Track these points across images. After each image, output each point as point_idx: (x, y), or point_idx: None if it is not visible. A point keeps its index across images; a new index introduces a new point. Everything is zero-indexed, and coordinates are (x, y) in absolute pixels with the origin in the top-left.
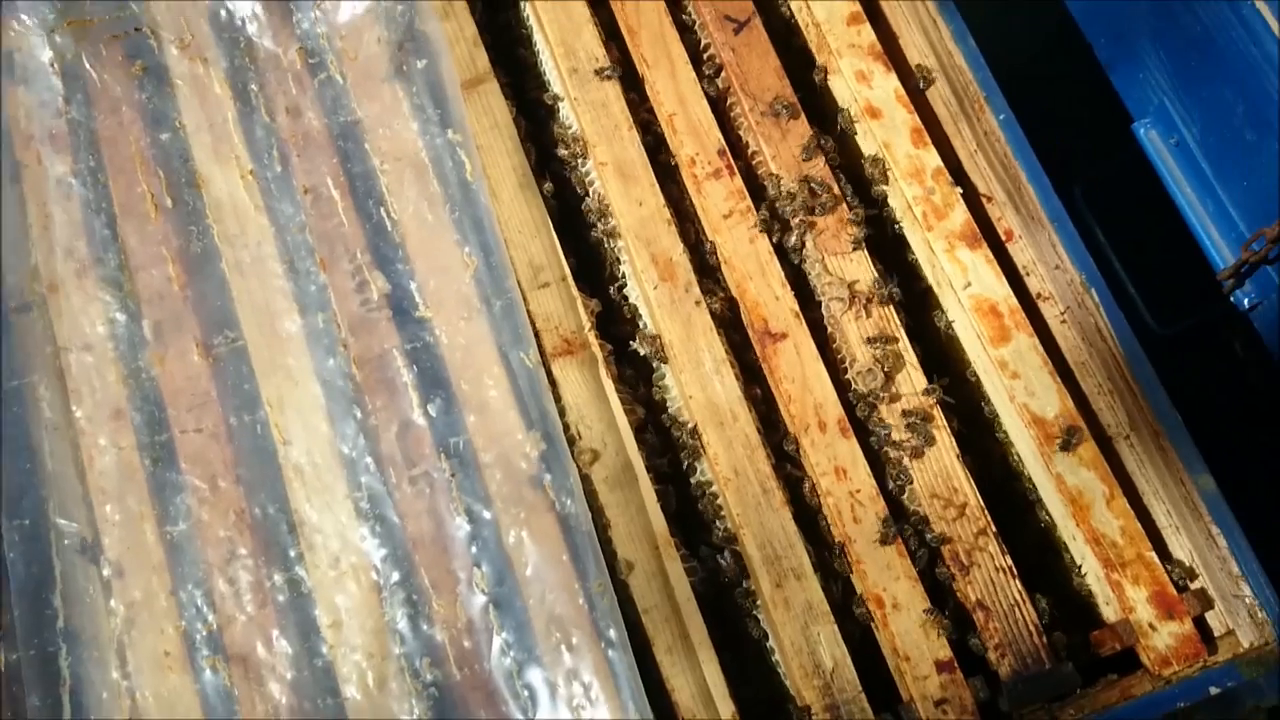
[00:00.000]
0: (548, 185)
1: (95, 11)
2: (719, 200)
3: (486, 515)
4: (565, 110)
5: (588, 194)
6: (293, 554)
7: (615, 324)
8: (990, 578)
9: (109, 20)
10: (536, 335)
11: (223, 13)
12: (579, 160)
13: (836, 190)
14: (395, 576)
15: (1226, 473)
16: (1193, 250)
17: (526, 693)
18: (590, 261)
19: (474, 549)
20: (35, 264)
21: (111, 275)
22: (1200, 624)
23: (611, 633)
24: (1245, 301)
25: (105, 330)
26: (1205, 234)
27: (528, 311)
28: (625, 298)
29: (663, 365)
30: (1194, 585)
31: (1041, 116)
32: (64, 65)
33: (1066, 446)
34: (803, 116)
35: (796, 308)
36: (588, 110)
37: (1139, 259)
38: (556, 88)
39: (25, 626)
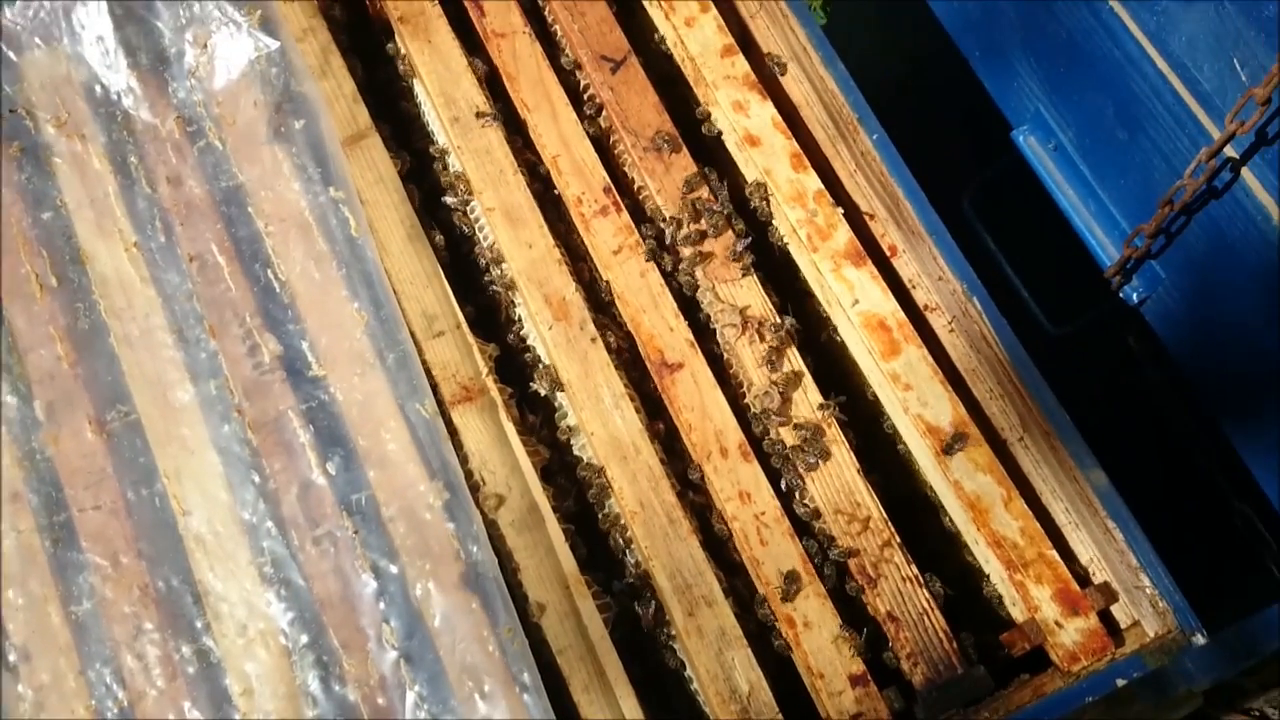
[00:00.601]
0: (439, 238)
1: None
2: (608, 237)
3: (393, 570)
4: (451, 159)
5: (478, 240)
6: (199, 625)
7: (515, 368)
8: (898, 588)
9: None
10: (434, 384)
11: (98, 88)
12: (467, 208)
13: (722, 219)
14: (304, 639)
15: (1131, 468)
16: (1080, 251)
17: None
18: (487, 308)
19: (382, 605)
20: None
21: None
22: (1106, 618)
23: (525, 677)
24: (1134, 297)
25: None
26: (1090, 234)
27: (424, 361)
28: (523, 340)
29: (564, 404)
30: (1096, 580)
31: (924, 130)
32: None
33: (949, 450)
34: (684, 150)
35: (691, 337)
36: (472, 158)
37: (1030, 263)
38: (440, 138)
39: None
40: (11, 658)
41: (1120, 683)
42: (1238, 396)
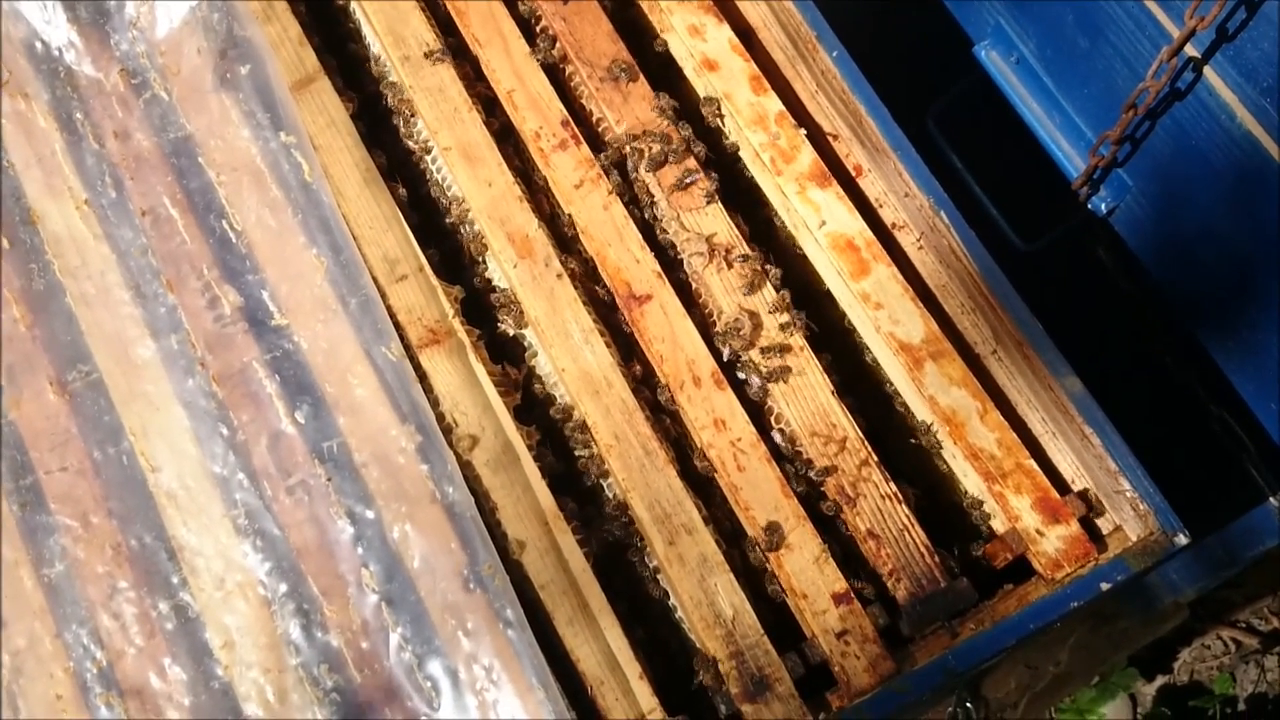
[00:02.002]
0: (401, 191)
1: None
2: (568, 171)
3: (369, 515)
4: (403, 100)
5: (436, 181)
6: (175, 580)
7: (481, 310)
8: (877, 506)
9: None
10: (400, 329)
11: (38, 44)
12: (422, 149)
13: (683, 147)
14: (283, 588)
15: (1107, 381)
16: (1047, 165)
17: (429, 684)
18: (451, 251)
19: (360, 550)
20: None
21: None
22: (1088, 525)
23: (508, 612)
24: (1103, 207)
25: None
26: (1056, 146)
27: (388, 306)
28: (488, 281)
29: (533, 342)
30: (1076, 487)
31: (884, 52)
32: None
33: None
34: (641, 78)
35: (658, 268)
36: (425, 97)
37: (998, 181)
38: (391, 78)
39: None
40: None
41: (1104, 586)
42: (1210, 301)
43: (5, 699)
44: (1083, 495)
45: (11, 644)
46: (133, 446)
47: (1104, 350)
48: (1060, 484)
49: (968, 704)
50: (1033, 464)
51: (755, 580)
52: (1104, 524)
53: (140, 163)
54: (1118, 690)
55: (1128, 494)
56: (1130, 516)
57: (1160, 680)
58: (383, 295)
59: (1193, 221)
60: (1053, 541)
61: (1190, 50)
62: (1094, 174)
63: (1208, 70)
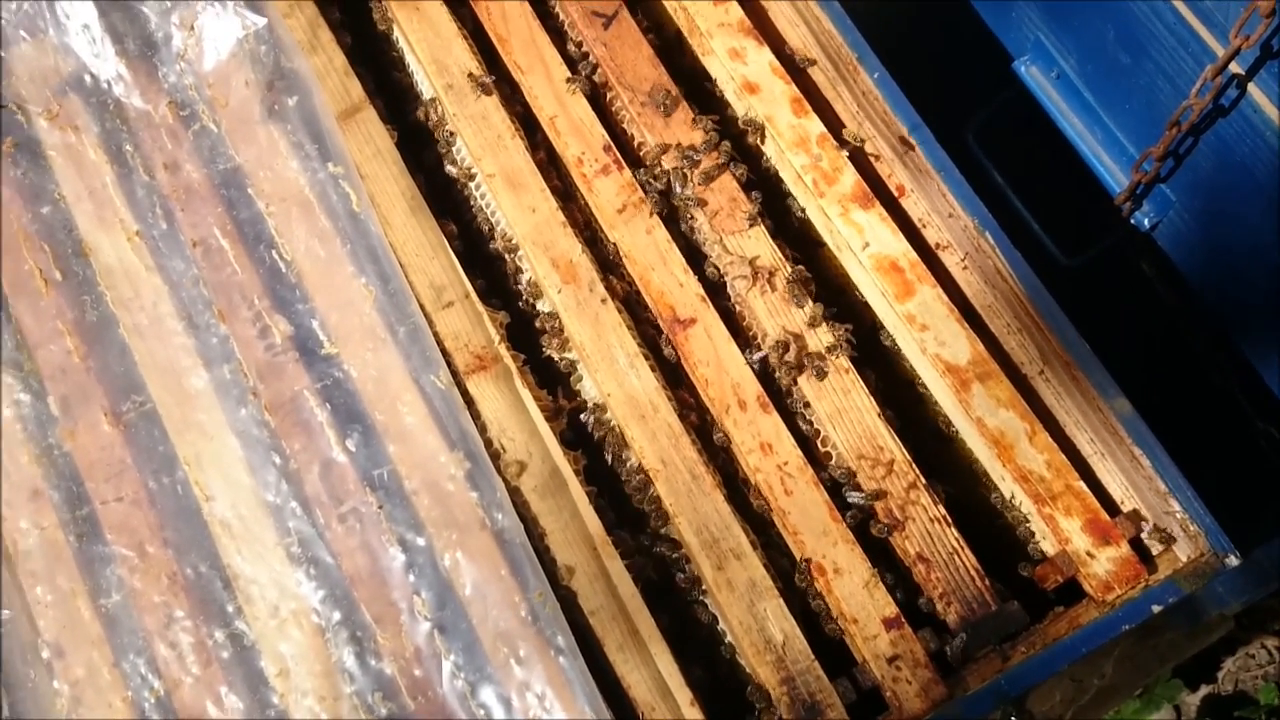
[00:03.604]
0: (451, 227)
1: None
2: (611, 196)
3: (420, 542)
4: (448, 128)
5: (481, 208)
6: (231, 609)
7: (527, 335)
8: (926, 529)
9: None
10: (447, 355)
11: (87, 78)
12: (468, 177)
13: (725, 170)
14: (337, 616)
15: (1152, 395)
16: (1089, 180)
17: (482, 712)
18: (496, 277)
19: (412, 577)
20: None
21: (10, 356)
22: (1138, 546)
23: (559, 640)
24: (1145, 222)
25: (11, 413)
26: (1098, 161)
27: (435, 333)
28: (533, 306)
29: (579, 367)
30: (1126, 509)
31: (924, 68)
32: None
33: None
34: (683, 102)
35: (702, 291)
36: (468, 125)
37: (1039, 196)
38: (436, 108)
39: None
40: (45, 654)
41: (1156, 609)
42: (1255, 315)
43: None
44: (1132, 516)
45: (70, 674)
46: (187, 476)
47: (1148, 364)
48: (1110, 505)
49: (1013, 718)
50: (1082, 485)
51: (805, 604)
52: (1155, 545)
53: (190, 194)
54: (1162, 701)
55: (1177, 515)
56: (1181, 537)
57: (1204, 690)
58: (429, 322)
59: (1236, 236)
60: (1103, 564)
61: (1234, 67)
62: (1137, 190)
63: (1251, 87)
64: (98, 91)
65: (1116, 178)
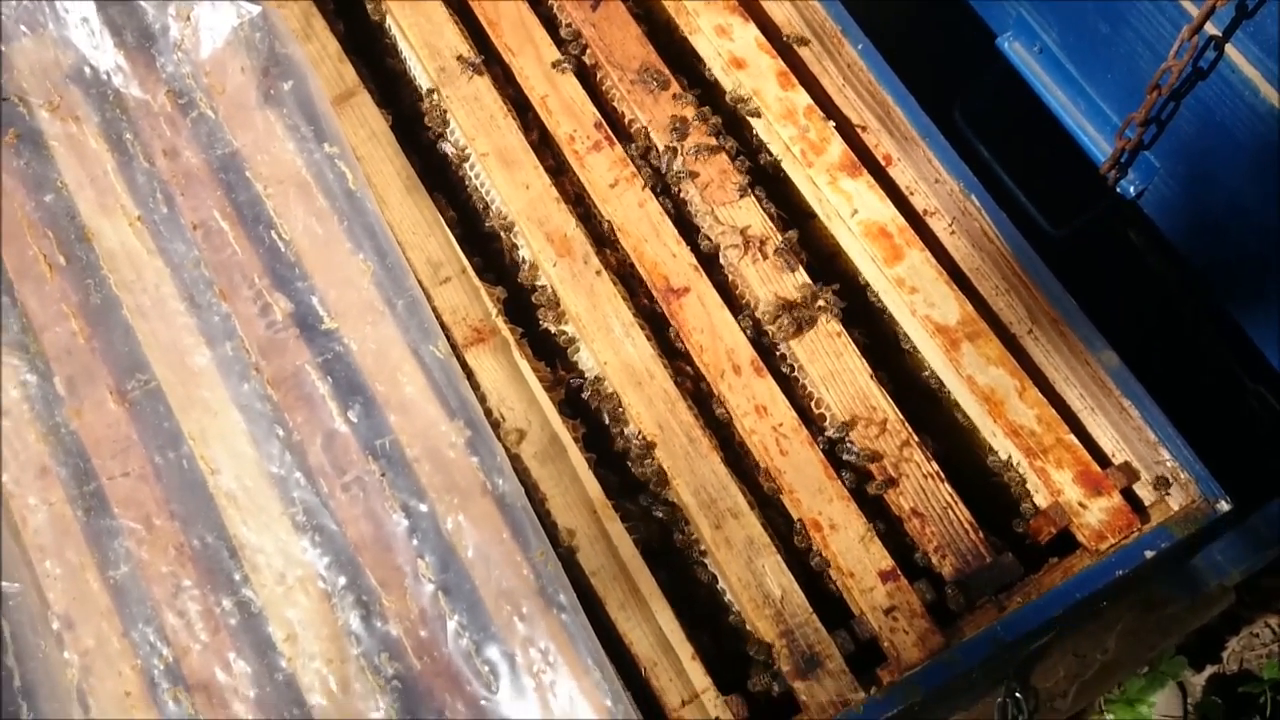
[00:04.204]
0: (451, 214)
1: None
2: (603, 172)
3: (422, 508)
4: (441, 111)
5: (475, 188)
6: (238, 577)
7: (524, 310)
8: (920, 485)
9: None
10: (445, 329)
11: (87, 69)
12: (460, 156)
13: (715, 143)
14: (342, 581)
15: (1142, 362)
16: (1075, 151)
17: (487, 668)
18: (493, 255)
19: (415, 541)
20: None
21: (16, 339)
22: (1130, 496)
23: (561, 597)
24: (1131, 190)
25: (19, 393)
26: (1082, 132)
27: (433, 308)
28: (530, 282)
29: (575, 337)
30: (1117, 461)
31: (910, 49)
32: None
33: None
34: (671, 78)
35: (695, 261)
36: (461, 106)
37: (1026, 169)
38: (429, 91)
39: None
40: (55, 626)
41: (1149, 554)
42: (1242, 277)
43: (76, 698)
44: (1124, 468)
45: (80, 644)
46: (192, 450)
47: (1139, 331)
48: (1101, 458)
49: (1017, 694)
50: (1073, 439)
51: (803, 560)
52: (1146, 494)
53: (190, 179)
54: (1166, 679)
55: (1168, 464)
56: (1172, 486)
57: (1210, 670)
58: (428, 298)
59: (1221, 199)
60: (1096, 514)
61: (1211, 29)
62: (1121, 157)
63: (1229, 48)
64: (97, 83)
65: (1101, 147)
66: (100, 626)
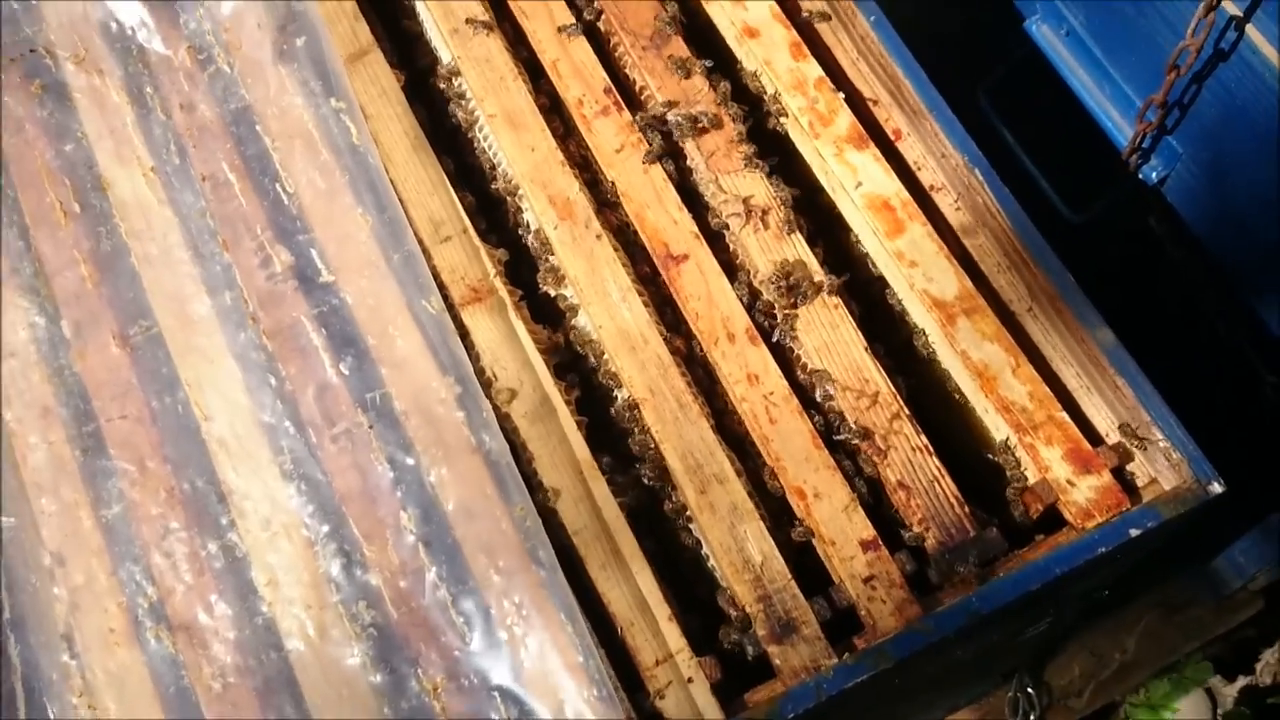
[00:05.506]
0: (451, 164)
1: None
2: (610, 136)
3: (409, 461)
4: (452, 71)
5: (483, 149)
6: (224, 522)
7: (525, 273)
8: (908, 458)
9: (5, 45)
10: (443, 288)
11: (113, 25)
12: (471, 117)
13: (722, 112)
14: (325, 530)
15: (1159, 350)
16: (1099, 136)
17: (462, 620)
18: (498, 219)
19: (399, 494)
20: None
21: (28, 283)
22: (1120, 476)
23: (540, 553)
24: (1153, 176)
25: (27, 335)
26: (1106, 116)
27: (432, 266)
28: (531, 244)
29: (572, 299)
30: (1111, 441)
31: (938, 31)
32: None
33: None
34: (685, 47)
35: (696, 229)
36: (473, 67)
37: (1050, 153)
38: (442, 52)
39: None
40: (46, 561)
41: (1133, 532)
42: (1262, 267)
43: (63, 630)
44: (1116, 448)
45: (70, 580)
46: (188, 396)
47: (1153, 319)
48: (1094, 437)
49: (1029, 689)
50: (1064, 416)
51: (785, 529)
52: (1139, 475)
53: (203, 132)
54: (1191, 685)
55: (1160, 444)
56: (1164, 467)
57: (1242, 681)
58: (427, 256)
59: (1244, 186)
60: (1084, 491)
61: (1231, 8)
62: (1142, 141)
63: (1250, 29)
64: (122, 38)
65: (1124, 132)
66: (90, 564)
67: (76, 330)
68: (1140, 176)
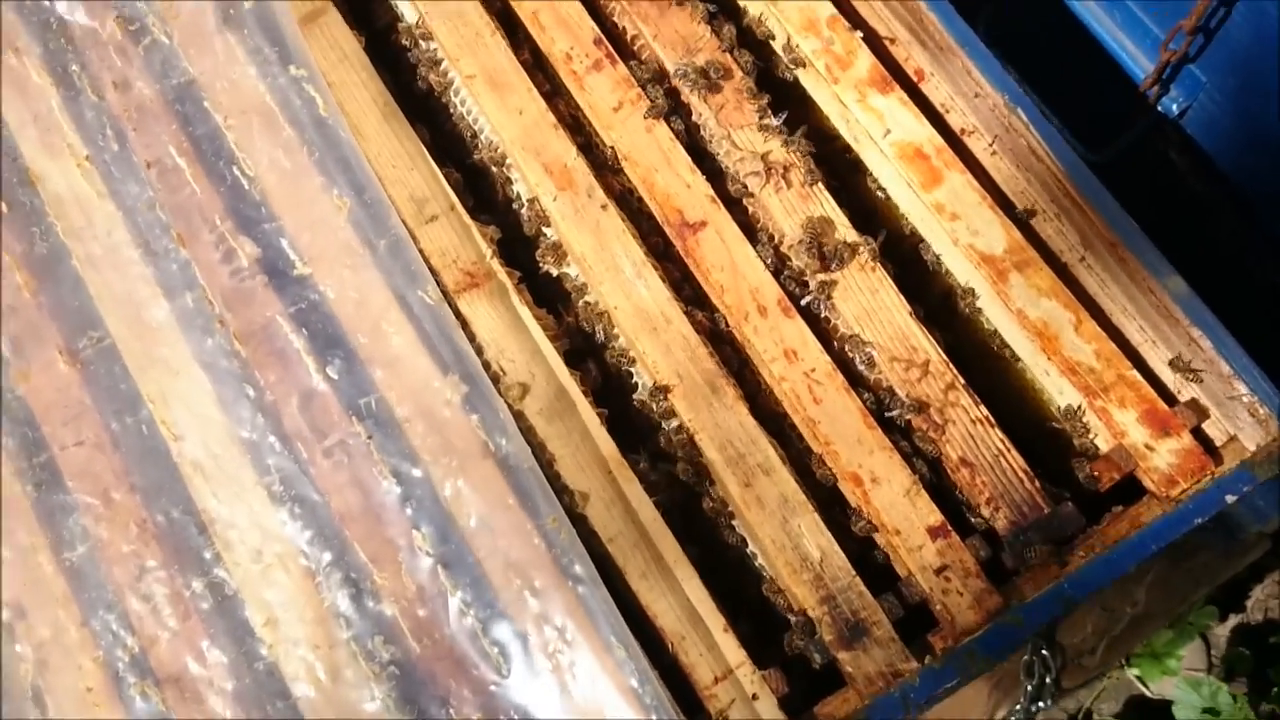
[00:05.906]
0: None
1: None
2: (605, 94)
3: (416, 473)
4: (420, 30)
5: (461, 115)
6: (208, 556)
7: (521, 250)
8: (968, 431)
9: None
10: (435, 274)
11: None
12: (445, 80)
13: (731, 60)
14: (327, 557)
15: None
16: (1110, 68)
17: (496, 649)
18: (484, 191)
19: (409, 511)
20: None
21: None
22: (1200, 436)
23: (577, 568)
24: (1174, 108)
25: None
26: (1119, 46)
27: (420, 251)
28: (527, 218)
29: (580, 279)
30: (1184, 397)
31: None
32: None
33: None
34: None
35: (711, 192)
36: (443, 22)
37: (1057, 89)
38: (404, 7)
39: None
40: (5, 616)
41: (1230, 499)
42: None
43: (32, 695)
44: (1192, 404)
45: (34, 635)
46: (152, 415)
47: (1178, 259)
48: (1167, 395)
49: (1043, 651)
50: (1136, 375)
51: (841, 518)
52: (1216, 434)
53: (142, 113)
54: (1194, 631)
55: (1244, 399)
56: (1248, 423)
57: (1234, 620)
58: (413, 238)
59: (1272, 113)
60: (1164, 456)
61: None
62: (1164, 72)
63: None
64: (38, 10)
65: (1140, 62)
66: (57, 615)
67: (16, 347)
68: (1159, 109)
